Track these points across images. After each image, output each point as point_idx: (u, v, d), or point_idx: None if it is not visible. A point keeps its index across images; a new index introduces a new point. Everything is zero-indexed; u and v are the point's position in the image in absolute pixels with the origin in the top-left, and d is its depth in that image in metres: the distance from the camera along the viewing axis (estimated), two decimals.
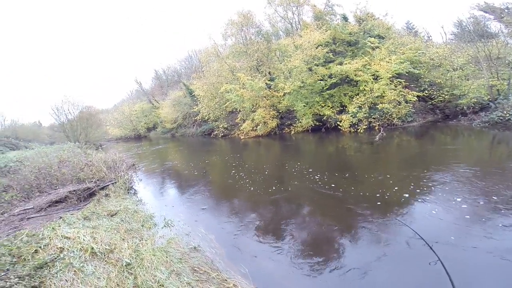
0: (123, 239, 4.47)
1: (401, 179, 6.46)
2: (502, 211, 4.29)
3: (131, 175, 10.29)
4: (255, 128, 20.52)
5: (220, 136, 24.40)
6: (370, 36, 18.23)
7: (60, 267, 3.63)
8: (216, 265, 3.79)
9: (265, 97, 20.53)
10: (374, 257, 3.67)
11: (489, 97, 13.24)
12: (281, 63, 20.18)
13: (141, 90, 50.53)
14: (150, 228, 5.20)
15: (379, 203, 5.28)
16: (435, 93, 15.81)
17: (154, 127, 42.76)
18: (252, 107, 20.75)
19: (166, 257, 3.82)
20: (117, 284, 3.23)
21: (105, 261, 3.77)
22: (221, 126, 24.70)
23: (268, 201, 6.45)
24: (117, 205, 6.54)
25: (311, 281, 3.42)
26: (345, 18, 20.35)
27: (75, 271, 3.54)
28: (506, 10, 14.27)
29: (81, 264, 3.67)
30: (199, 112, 26.64)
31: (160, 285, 3.15)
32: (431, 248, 3.55)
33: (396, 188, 5.89)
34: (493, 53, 14.03)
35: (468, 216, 4.30)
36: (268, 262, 3.93)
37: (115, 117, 44.07)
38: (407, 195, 5.43)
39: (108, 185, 8.23)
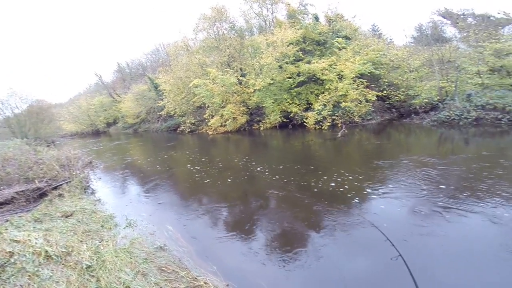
0: (81, 241, 4.14)
1: (358, 172, 6.88)
2: (433, 199, 4.81)
3: (88, 173, 9.57)
4: (224, 124, 20.28)
5: (187, 131, 23.72)
6: (338, 37, 18.81)
7: (12, 272, 3.31)
8: (184, 263, 3.68)
9: (235, 93, 20.35)
10: (329, 241, 4.01)
11: (438, 98, 14.50)
12: (253, 60, 20.08)
13: (101, 84, 47.02)
14: (110, 228, 4.88)
15: (334, 193, 5.61)
16: (392, 93, 16.99)
17: (115, 122, 40.19)
18: (222, 103, 20.46)
19: (130, 258, 3.62)
20: None
21: (63, 264, 3.48)
22: (188, 121, 23.99)
23: (227, 194, 6.70)
24: (73, 206, 6.05)
25: (277, 270, 3.51)
26: (316, 18, 20.63)
27: (29, 275, 3.23)
28: (462, 16, 15.54)
29: (36, 269, 3.36)
30: (165, 106, 25.59)
31: (126, 287, 2.98)
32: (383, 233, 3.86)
33: (354, 180, 6.27)
34: (445, 56, 15.09)
35: (413, 206, 4.77)
36: (236, 256, 3.95)
37: (71, 111, 40.50)
38: (365, 186, 5.81)
39: (61, 185, 7.57)
